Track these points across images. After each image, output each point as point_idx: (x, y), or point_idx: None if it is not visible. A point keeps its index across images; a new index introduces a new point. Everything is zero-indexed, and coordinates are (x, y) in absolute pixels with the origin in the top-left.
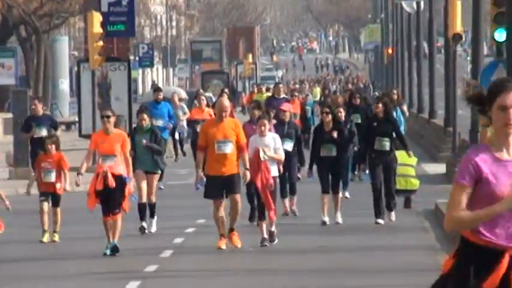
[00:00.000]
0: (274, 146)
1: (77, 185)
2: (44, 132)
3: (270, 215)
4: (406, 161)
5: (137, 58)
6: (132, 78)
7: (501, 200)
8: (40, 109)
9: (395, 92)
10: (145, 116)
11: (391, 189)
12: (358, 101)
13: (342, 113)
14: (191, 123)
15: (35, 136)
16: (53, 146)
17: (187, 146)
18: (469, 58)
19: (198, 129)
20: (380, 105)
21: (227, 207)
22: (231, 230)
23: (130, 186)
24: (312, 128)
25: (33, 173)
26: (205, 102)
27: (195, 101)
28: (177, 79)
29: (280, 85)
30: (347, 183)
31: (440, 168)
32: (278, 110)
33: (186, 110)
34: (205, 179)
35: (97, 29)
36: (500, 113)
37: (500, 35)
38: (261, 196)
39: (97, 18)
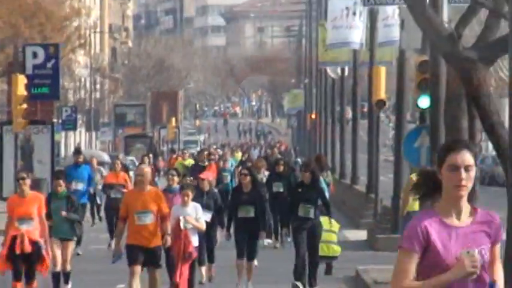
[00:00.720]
0: (195, 216)
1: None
2: None
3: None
4: (328, 227)
5: (60, 121)
6: (55, 141)
7: (451, 269)
8: None
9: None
10: (61, 181)
11: (316, 257)
12: (281, 168)
13: (261, 175)
14: (105, 188)
15: None
16: None
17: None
18: (391, 124)
19: (112, 194)
20: (307, 173)
21: (145, 279)
22: None
23: (47, 251)
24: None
25: None
26: (120, 166)
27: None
28: (99, 142)
29: (205, 152)
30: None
31: (361, 234)
32: (198, 178)
33: (104, 174)
34: (123, 253)
35: (21, 91)
36: (450, 173)
37: (424, 102)
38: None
39: (22, 80)
